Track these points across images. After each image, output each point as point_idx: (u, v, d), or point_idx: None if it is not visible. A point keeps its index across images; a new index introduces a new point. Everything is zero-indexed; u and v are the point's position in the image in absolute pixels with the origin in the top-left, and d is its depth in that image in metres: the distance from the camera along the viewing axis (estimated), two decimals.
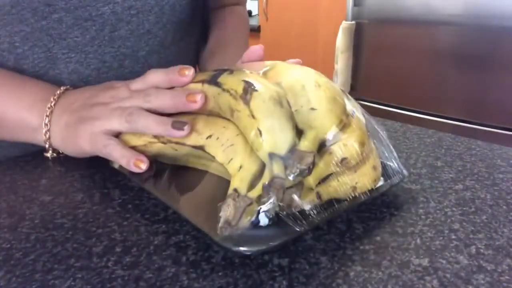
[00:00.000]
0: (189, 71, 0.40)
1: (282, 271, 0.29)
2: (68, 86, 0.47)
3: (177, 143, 0.38)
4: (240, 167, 0.32)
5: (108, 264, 0.30)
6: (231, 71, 0.37)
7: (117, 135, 0.42)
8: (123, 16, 0.51)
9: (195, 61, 0.68)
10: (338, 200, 0.34)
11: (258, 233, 0.30)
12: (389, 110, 1.79)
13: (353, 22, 1.79)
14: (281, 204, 0.30)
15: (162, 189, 0.38)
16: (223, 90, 0.35)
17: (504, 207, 0.37)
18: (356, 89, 1.87)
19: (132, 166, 0.39)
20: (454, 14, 1.54)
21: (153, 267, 0.29)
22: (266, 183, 0.30)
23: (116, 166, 0.42)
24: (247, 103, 0.32)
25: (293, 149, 0.30)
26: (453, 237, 0.33)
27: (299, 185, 0.31)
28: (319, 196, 0.33)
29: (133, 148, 0.40)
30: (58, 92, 0.45)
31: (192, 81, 0.40)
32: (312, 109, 0.33)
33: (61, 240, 0.33)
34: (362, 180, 0.34)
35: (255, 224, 0.30)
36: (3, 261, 0.30)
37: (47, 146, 0.45)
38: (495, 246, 0.32)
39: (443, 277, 0.28)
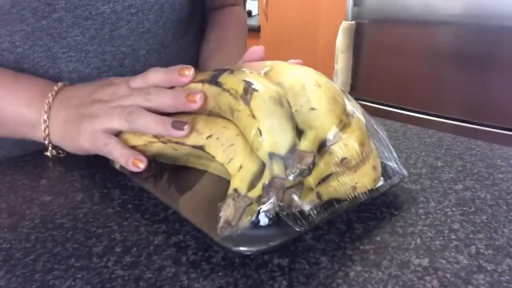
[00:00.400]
0: (189, 71, 0.40)
1: (282, 271, 0.29)
2: (66, 82, 0.47)
3: (177, 143, 0.38)
4: (240, 167, 0.32)
5: (108, 264, 0.30)
6: (231, 71, 0.37)
7: (117, 134, 0.41)
8: (123, 15, 0.51)
9: (196, 60, 0.68)
10: (338, 200, 0.34)
11: (258, 233, 0.30)
12: (389, 110, 1.79)
13: (353, 22, 1.79)
14: (281, 204, 0.30)
15: (162, 189, 0.38)
16: (224, 90, 0.35)
17: (504, 207, 0.37)
18: (356, 89, 1.87)
19: (131, 165, 0.39)
20: (454, 14, 1.54)
21: (153, 267, 0.29)
22: (266, 183, 0.30)
23: (117, 166, 0.42)
24: (247, 103, 0.32)
25: (293, 149, 0.30)
26: (453, 237, 0.33)
27: (299, 185, 0.31)
28: (319, 196, 0.33)
29: (133, 147, 0.40)
30: (56, 87, 0.45)
31: (192, 81, 0.40)
32: (312, 109, 0.33)
33: (61, 240, 0.33)
34: (362, 180, 0.34)
35: (255, 224, 0.30)
36: (3, 261, 0.30)
37: (46, 142, 0.45)
38: (495, 246, 0.32)
39: (443, 277, 0.28)
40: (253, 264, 0.30)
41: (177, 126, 0.37)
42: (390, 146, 0.39)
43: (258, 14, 2.67)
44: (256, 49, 0.45)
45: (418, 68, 1.68)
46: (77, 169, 0.45)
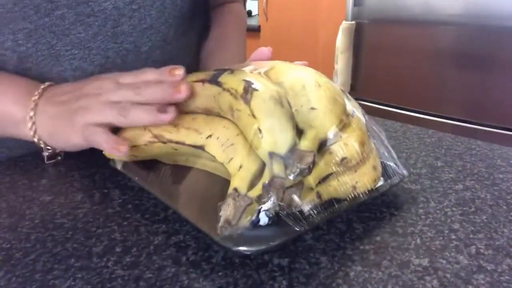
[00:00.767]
0: (180, 71, 0.40)
1: (282, 271, 0.29)
2: (51, 82, 0.47)
3: (177, 142, 0.38)
4: (240, 166, 0.32)
5: (108, 264, 0.30)
6: (231, 71, 0.37)
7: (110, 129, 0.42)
8: (125, 11, 0.51)
9: (196, 57, 0.68)
10: (338, 200, 0.34)
11: (258, 233, 0.30)
12: (389, 110, 1.79)
13: (353, 22, 1.79)
14: (281, 203, 0.30)
15: (162, 189, 0.38)
16: (224, 89, 0.35)
17: (504, 207, 0.37)
18: (356, 89, 1.87)
19: (113, 150, 0.39)
20: (454, 14, 1.54)
21: (153, 267, 0.29)
22: (266, 182, 0.30)
23: (117, 166, 0.42)
24: (247, 102, 0.32)
25: (293, 149, 0.30)
26: (453, 237, 0.33)
27: (299, 185, 0.31)
28: (319, 196, 0.33)
29: (134, 147, 0.40)
30: (42, 86, 0.45)
31: (192, 81, 0.40)
32: (312, 108, 0.33)
33: (61, 240, 0.33)
34: (362, 180, 0.34)
35: (255, 223, 0.30)
36: (3, 261, 0.30)
37: (35, 140, 0.44)
38: (495, 246, 0.32)
39: (443, 277, 0.28)
40: (253, 264, 0.30)
41: (162, 110, 0.38)
42: (389, 147, 0.39)
43: (258, 14, 2.67)
44: (263, 50, 0.45)
45: (418, 68, 1.68)
46: (77, 169, 0.45)
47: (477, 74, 1.54)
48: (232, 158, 0.34)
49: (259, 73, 0.36)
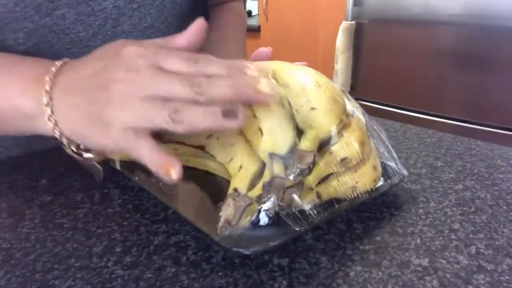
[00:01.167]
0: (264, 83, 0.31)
1: (282, 271, 0.29)
2: (66, 59, 0.37)
3: (177, 142, 0.38)
4: (240, 167, 0.32)
5: (108, 264, 0.30)
6: None
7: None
8: (125, 10, 0.51)
9: None
10: (338, 200, 0.34)
11: (258, 233, 0.30)
12: (389, 110, 1.79)
13: (353, 22, 1.79)
14: (281, 203, 0.30)
15: (162, 189, 0.38)
16: None
17: (504, 207, 0.37)
18: (356, 89, 1.87)
19: (163, 174, 0.30)
20: (454, 14, 1.54)
21: (153, 267, 0.29)
22: (266, 182, 0.30)
23: (117, 166, 0.42)
24: None
25: (293, 149, 0.30)
26: (453, 237, 0.33)
27: (299, 185, 0.31)
28: (319, 196, 0.33)
29: None
30: (53, 68, 0.36)
31: None
32: (313, 108, 0.33)
33: (61, 240, 0.33)
34: (362, 180, 0.34)
35: (255, 223, 0.30)
36: (3, 261, 0.30)
37: (57, 134, 0.35)
38: (495, 246, 0.32)
39: (443, 277, 0.28)
40: (253, 264, 0.30)
41: (230, 115, 0.29)
42: (390, 147, 0.39)
43: (258, 14, 2.67)
44: (263, 50, 0.45)
45: (418, 68, 1.68)
46: (77, 169, 0.45)
47: (477, 74, 1.53)
48: (232, 159, 0.34)
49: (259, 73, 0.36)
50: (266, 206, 0.30)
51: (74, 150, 0.36)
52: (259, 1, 2.54)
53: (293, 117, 0.32)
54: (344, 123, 0.34)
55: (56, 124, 0.34)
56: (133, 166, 0.42)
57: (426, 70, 1.66)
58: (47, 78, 0.35)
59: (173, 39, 0.35)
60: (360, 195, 0.34)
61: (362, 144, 0.34)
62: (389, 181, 0.37)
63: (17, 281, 0.28)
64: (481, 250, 0.31)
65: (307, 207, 0.32)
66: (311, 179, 0.32)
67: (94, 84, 0.33)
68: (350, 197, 0.34)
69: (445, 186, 0.40)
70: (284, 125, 0.31)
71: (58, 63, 0.36)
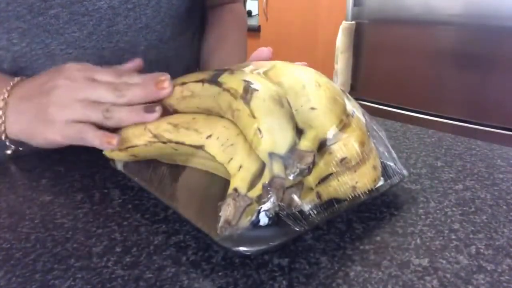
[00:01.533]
0: (166, 83, 0.39)
1: (282, 271, 0.29)
2: (23, 77, 0.45)
3: (177, 142, 0.38)
4: (240, 166, 0.32)
5: (108, 264, 0.30)
6: (231, 71, 0.37)
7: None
8: (120, 10, 0.51)
9: (195, 58, 0.68)
10: (338, 200, 0.34)
11: (258, 233, 0.30)
12: (389, 110, 1.79)
13: (353, 22, 1.79)
14: (281, 203, 0.30)
15: (162, 189, 0.38)
16: (223, 89, 0.35)
17: (504, 207, 0.37)
18: (356, 89, 1.87)
19: (105, 144, 0.39)
20: (454, 14, 1.54)
21: (153, 267, 0.29)
22: (266, 182, 0.30)
23: (117, 166, 0.42)
24: (247, 102, 0.32)
25: (293, 149, 0.30)
26: (453, 237, 0.33)
27: (299, 185, 0.31)
28: (319, 196, 0.33)
29: (134, 147, 0.40)
30: (11, 82, 0.44)
31: (191, 81, 0.40)
32: (312, 108, 0.33)
33: (61, 240, 0.33)
34: (362, 180, 0.34)
35: (255, 223, 0.30)
36: (3, 261, 0.30)
37: (2, 138, 0.43)
38: (495, 246, 0.32)
39: (443, 277, 0.28)
40: (253, 264, 0.30)
41: (149, 110, 0.38)
42: (389, 147, 0.39)
43: (258, 14, 2.67)
44: (263, 50, 0.45)
45: (418, 68, 1.68)
46: (77, 169, 0.45)
47: (477, 74, 1.54)
48: (232, 158, 0.34)
49: (259, 73, 0.36)
50: (266, 206, 0.30)
51: (13, 148, 0.45)
52: (259, 1, 2.54)
53: (293, 117, 0.32)
54: (344, 123, 0.34)
55: (4, 130, 0.42)
56: (134, 166, 0.42)
57: (426, 70, 1.66)
58: (4, 90, 0.43)
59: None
60: (360, 195, 0.34)
61: (362, 144, 0.34)
62: (389, 181, 0.37)
63: (17, 281, 0.28)
64: (481, 250, 0.31)
65: (307, 207, 0.32)
66: (311, 179, 0.32)
67: (39, 91, 0.42)
68: (350, 197, 0.34)
69: (445, 186, 0.40)
70: (283, 124, 0.31)
71: (16, 78, 0.45)
